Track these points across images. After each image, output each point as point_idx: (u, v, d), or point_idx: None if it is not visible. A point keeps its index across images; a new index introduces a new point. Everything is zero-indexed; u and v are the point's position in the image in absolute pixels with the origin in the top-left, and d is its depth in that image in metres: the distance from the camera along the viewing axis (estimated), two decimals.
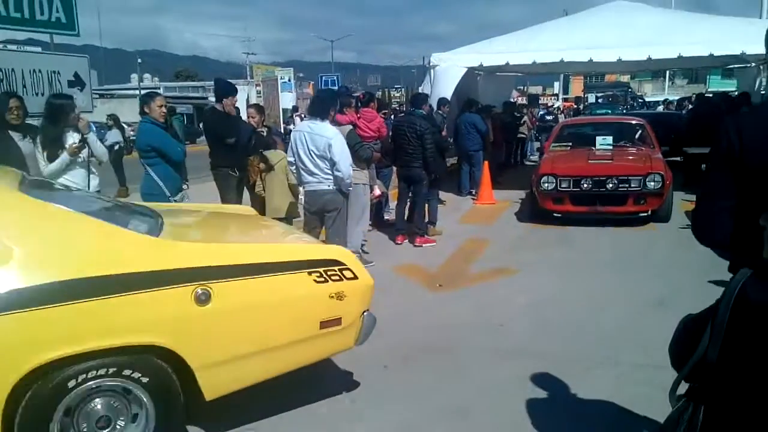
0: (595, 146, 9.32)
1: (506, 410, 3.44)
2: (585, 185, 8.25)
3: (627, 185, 8.08)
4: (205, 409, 3.10)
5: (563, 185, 8.30)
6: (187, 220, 4.07)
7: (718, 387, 1.39)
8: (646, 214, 8.19)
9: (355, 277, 3.31)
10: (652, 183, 7.99)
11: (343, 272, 3.26)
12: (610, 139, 9.35)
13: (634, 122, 10.71)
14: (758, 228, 1.76)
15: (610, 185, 8.13)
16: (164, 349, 2.76)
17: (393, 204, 8.61)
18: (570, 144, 9.97)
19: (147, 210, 3.59)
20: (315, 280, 3.16)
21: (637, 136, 10.08)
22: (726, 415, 1.38)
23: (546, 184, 8.35)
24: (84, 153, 5.13)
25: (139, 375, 2.74)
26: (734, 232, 1.87)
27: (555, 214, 8.45)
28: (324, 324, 3.22)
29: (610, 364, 4.02)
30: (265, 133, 6.88)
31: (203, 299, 2.81)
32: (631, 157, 9.02)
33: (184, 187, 5.74)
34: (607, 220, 8.21)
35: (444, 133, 9.47)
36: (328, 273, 3.20)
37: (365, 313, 3.40)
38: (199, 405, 3.00)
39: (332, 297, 3.21)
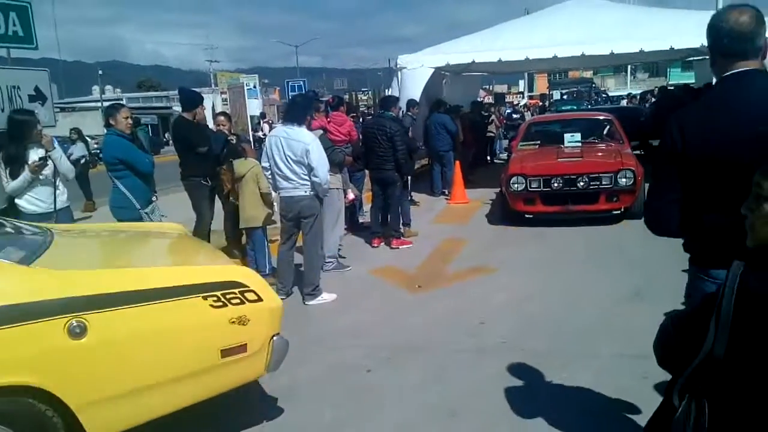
0: (563, 144, 9.17)
1: (494, 406, 3.44)
2: (555, 184, 8.02)
3: (598, 183, 7.87)
4: None
5: (533, 185, 8.08)
6: (81, 243, 3.76)
7: (725, 382, 1.39)
8: (619, 211, 8.00)
9: (259, 299, 3.08)
10: (624, 179, 7.80)
11: (245, 294, 3.02)
12: (578, 136, 9.19)
13: (601, 118, 10.54)
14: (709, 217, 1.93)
15: (581, 183, 7.91)
16: (37, 389, 2.51)
17: (367, 207, 8.58)
18: (538, 142, 9.79)
19: (37, 232, 3.36)
20: (211, 305, 2.92)
21: (605, 131, 9.91)
22: (733, 410, 1.38)
23: (516, 185, 8.12)
24: (47, 171, 5.01)
25: (12, 419, 2.47)
26: (682, 221, 2.04)
27: (527, 215, 8.26)
28: (226, 352, 2.99)
29: (592, 356, 4.05)
30: (234, 141, 6.80)
31: (78, 332, 2.56)
32: (600, 154, 8.81)
33: (154, 198, 5.64)
34: (581, 218, 8.08)
35: (410, 135, 9.46)
36: (227, 296, 2.96)
37: (275, 337, 3.19)
38: None
39: (233, 322, 2.98)
